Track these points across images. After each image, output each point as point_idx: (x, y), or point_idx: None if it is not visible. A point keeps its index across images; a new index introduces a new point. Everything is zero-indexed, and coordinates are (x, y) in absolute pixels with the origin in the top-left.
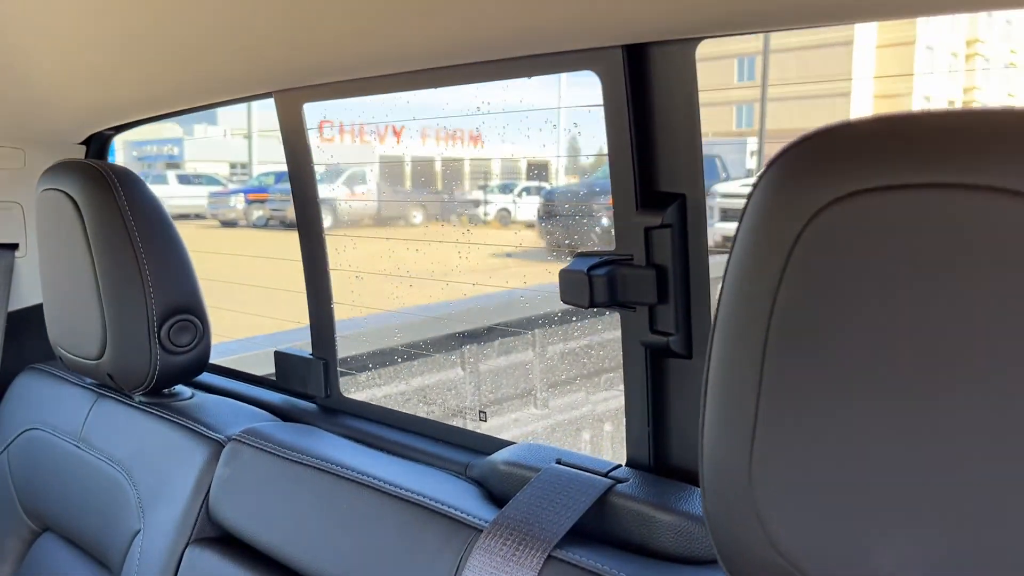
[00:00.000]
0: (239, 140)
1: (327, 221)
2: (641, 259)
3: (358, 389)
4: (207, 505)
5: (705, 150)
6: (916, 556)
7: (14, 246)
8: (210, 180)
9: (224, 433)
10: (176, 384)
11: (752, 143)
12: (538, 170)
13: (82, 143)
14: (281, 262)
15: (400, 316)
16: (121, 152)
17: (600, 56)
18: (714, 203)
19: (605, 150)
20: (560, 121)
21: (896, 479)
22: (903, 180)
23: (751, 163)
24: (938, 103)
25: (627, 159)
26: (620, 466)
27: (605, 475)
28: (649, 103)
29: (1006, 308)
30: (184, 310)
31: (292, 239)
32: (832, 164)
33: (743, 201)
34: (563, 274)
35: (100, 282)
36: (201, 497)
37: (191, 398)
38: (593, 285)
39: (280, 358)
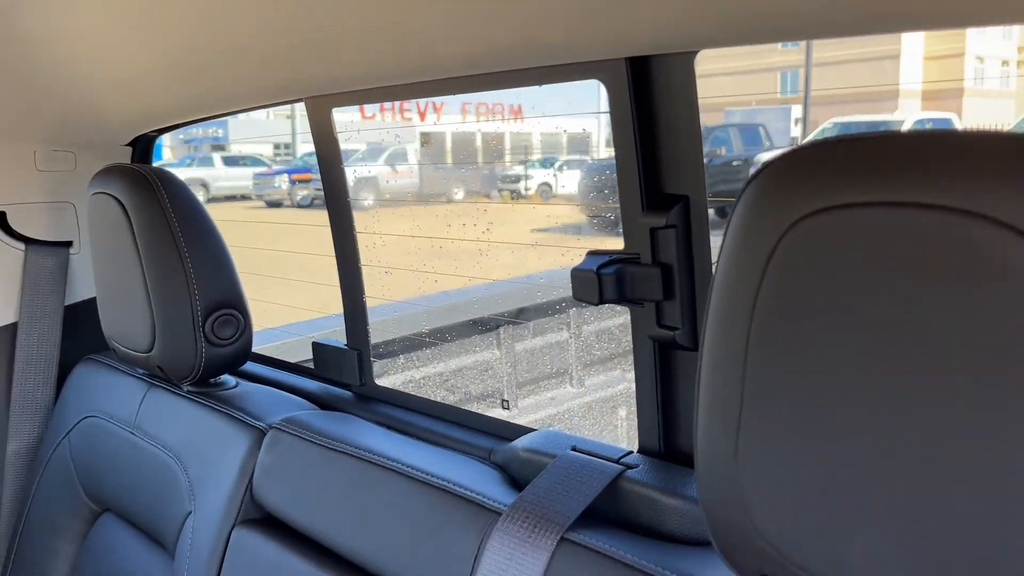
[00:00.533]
0: (282, 120)
1: (369, 199)
2: (648, 258)
3: (397, 371)
4: (251, 489)
5: (749, 119)
6: (887, 548)
7: (68, 244)
8: (255, 161)
9: (265, 421)
10: (221, 374)
11: (797, 110)
12: (578, 143)
13: (128, 144)
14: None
15: (429, 302)
16: (168, 135)
17: (605, 67)
18: None
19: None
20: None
21: (866, 475)
22: (864, 198)
23: (795, 131)
24: (991, 63)
25: (632, 163)
26: (632, 452)
27: (617, 461)
28: (652, 110)
29: (957, 322)
30: (226, 305)
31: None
32: (804, 182)
33: None
34: (574, 273)
35: (148, 280)
36: (245, 482)
37: (236, 387)
38: (602, 283)
39: (317, 348)
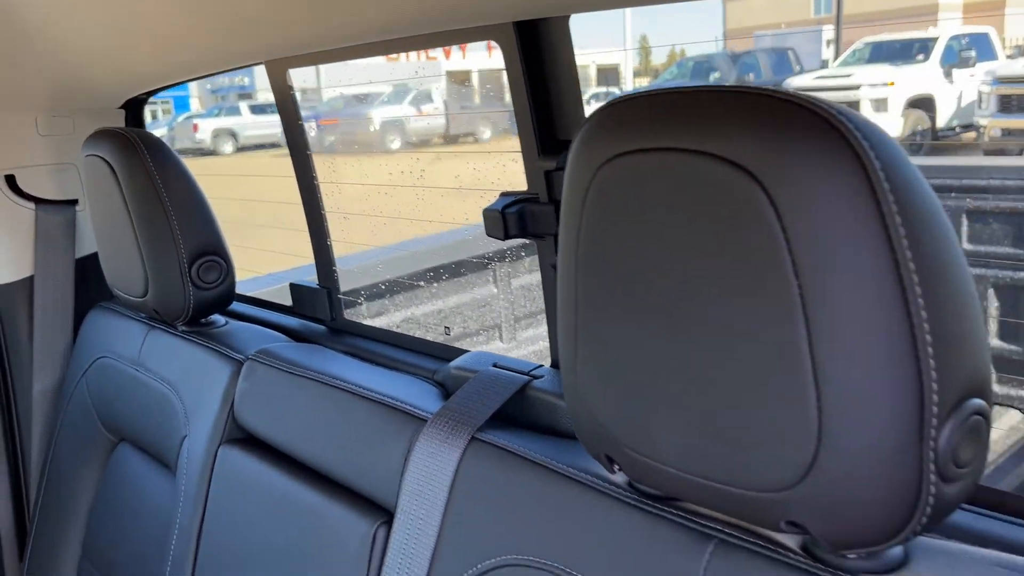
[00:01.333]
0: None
1: (396, 143)
2: (544, 197)
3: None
4: (233, 413)
5: (778, 42)
6: (675, 422)
7: (74, 202)
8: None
9: (244, 354)
10: (210, 314)
11: (829, 31)
12: (607, 75)
13: (122, 107)
14: None
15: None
16: (195, 85)
17: (497, 30)
18: None
19: (679, 49)
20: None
21: (658, 369)
22: (645, 145)
23: (827, 53)
24: None
25: (527, 113)
26: (542, 366)
27: (527, 374)
28: (540, 66)
29: (709, 245)
30: (209, 252)
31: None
32: (608, 131)
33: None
34: (485, 212)
35: (137, 233)
36: (228, 406)
37: (225, 325)
38: (507, 221)
39: (294, 289)
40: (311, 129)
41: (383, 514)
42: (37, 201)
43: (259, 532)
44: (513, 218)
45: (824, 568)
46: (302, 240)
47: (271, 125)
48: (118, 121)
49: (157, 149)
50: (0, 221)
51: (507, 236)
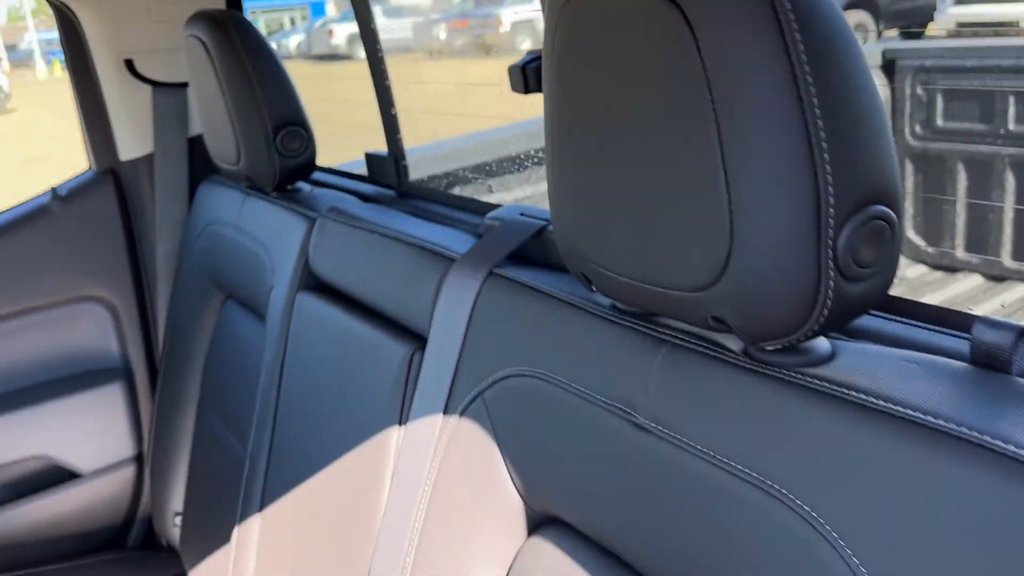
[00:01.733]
0: None
1: (527, 43)
2: None
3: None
4: (307, 263)
5: None
6: (627, 239)
7: (186, 84)
8: (412, 11)
9: (319, 212)
10: (295, 181)
11: None
12: None
13: None
14: None
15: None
16: None
17: None
18: None
19: None
20: None
21: (612, 189)
22: None
23: None
24: None
25: None
26: None
27: (546, 220)
28: None
29: (650, 74)
30: (292, 123)
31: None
32: None
33: None
34: (510, 69)
35: (230, 106)
36: (304, 258)
37: (309, 191)
38: (527, 76)
39: (368, 158)
40: (442, 32)
41: (418, 341)
42: (154, 84)
43: (325, 363)
44: (532, 73)
45: (756, 364)
46: (427, 120)
47: (403, 29)
48: (219, 5)
49: (245, 28)
50: (123, 103)
51: (527, 90)
